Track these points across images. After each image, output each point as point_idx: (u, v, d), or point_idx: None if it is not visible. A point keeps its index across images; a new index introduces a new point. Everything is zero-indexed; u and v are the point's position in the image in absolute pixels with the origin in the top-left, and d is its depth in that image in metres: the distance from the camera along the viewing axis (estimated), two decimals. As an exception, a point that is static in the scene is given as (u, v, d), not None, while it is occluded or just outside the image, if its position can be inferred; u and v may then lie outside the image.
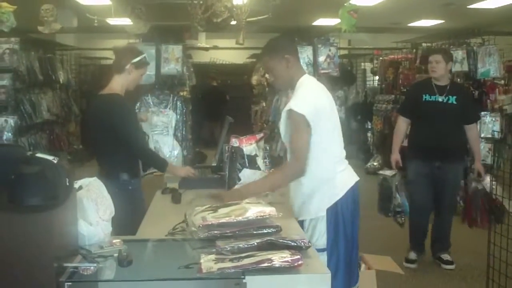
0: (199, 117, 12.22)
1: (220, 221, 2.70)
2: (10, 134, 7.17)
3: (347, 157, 3.71)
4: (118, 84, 4.20)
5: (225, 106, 14.52)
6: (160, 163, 4.31)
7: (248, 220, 2.70)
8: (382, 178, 6.11)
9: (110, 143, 4.13)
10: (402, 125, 6.00)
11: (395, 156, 5.94)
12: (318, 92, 3.56)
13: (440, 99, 5.63)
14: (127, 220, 3.41)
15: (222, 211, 2.86)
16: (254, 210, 2.77)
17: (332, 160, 3.54)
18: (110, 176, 4.06)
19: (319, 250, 3.47)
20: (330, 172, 3.52)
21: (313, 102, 3.43)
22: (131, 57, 4.20)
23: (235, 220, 2.68)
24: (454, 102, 5.60)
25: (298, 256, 2.27)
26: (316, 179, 3.49)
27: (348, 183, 3.58)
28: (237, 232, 2.62)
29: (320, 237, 3.52)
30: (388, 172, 6.03)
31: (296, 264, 2.24)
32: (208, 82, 15.50)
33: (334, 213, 3.51)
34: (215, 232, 2.63)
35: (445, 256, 5.87)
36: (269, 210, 2.76)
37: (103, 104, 4.18)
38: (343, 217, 3.54)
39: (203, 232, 2.66)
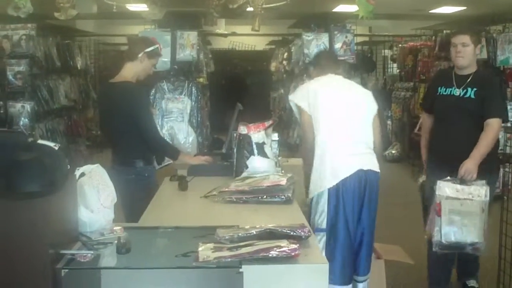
0: (222, 103, 12.24)
1: (239, 188, 3.46)
2: (26, 120, 7.21)
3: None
4: (130, 71, 4.23)
5: (247, 93, 14.50)
6: (172, 152, 4.34)
7: (263, 189, 3.41)
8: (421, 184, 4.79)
9: (125, 130, 4.14)
10: (426, 121, 4.81)
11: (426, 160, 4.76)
12: (318, 84, 4.15)
13: (456, 93, 4.37)
14: (143, 206, 3.42)
15: (248, 180, 3.58)
16: (271, 180, 3.49)
17: (335, 142, 3.96)
18: (126, 163, 4.18)
19: (320, 230, 3.83)
20: (331, 152, 3.93)
21: (306, 91, 4.09)
22: (144, 46, 4.25)
23: (251, 189, 3.43)
24: (472, 96, 4.28)
25: (296, 246, 2.24)
26: (318, 156, 3.96)
27: (352, 168, 3.88)
28: (251, 199, 3.38)
29: (320, 215, 3.89)
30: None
31: (293, 254, 2.22)
32: (231, 69, 15.51)
33: (335, 194, 3.88)
34: (233, 197, 3.41)
35: (470, 282, 4.81)
36: (283, 180, 3.45)
37: (117, 92, 4.19)
38: (344, 201, 3.85)
39: (222, 196, 3.44)
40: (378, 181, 4.02)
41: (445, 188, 4.10)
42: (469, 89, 4.32)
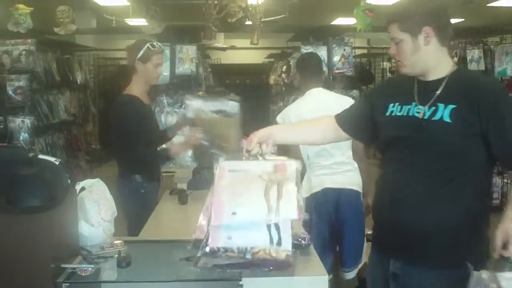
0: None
1: None
2: (26, 134, 7.22)
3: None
4: (135, 83, 4.09)
5: (246, 106, 14.57)
6: (165, 138, 4.29)
7: None
8: None
9: (123, 143, 4.02)
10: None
11: None
12: (298, 105, 4.35)
13: (417, 113, 2.47)
14: (138, 222, 3.41)
15: None
16: None
17: (311, 161, 4.24)
18: (123, 177, 4.07)
19: None
20: (308, 169, 4.26)
21: (287, 114, 4.29)
22: (135, 54, 4.03)
23: None
24: (447, 119, 2.38)
25: (291, 255, 2.27)
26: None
27: (320, 186, 4.18)
28: None
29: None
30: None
31: (289, 260, 2.23)
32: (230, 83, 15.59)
33: (308, 205, 4.16)
34: None
35: None
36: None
37: (117, 105, 4.11)
38: (316, 214, 4.16)
39: None
40: (355, 197, 4.24)
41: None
42: (441, 105, 2.42)
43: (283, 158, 2.41)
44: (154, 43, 4.08)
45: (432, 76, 2.50)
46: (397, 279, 2.51)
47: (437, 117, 2.40)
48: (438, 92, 2.44)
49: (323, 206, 4.21)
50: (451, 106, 2.38)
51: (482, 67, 7.59)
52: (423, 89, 2.50)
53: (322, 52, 7.12)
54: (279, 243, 2.17)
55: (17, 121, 7.26)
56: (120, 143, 4.05)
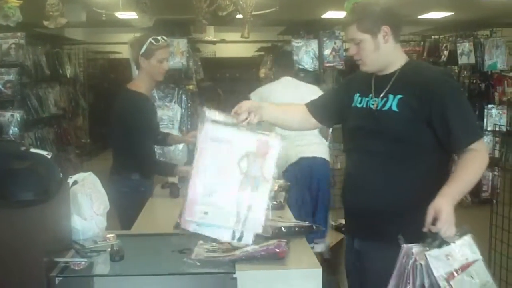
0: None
1: None
2: (16, 128, 7.15)
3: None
4: (140, 80, 3.95)
5: (236, 99, 14.55)
6: (167, 168, 4.06)
7: None
8: None
9: (121, 140, 3.89)
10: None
11: None
12: (272, 87, 5.23)
13: (372, 104, 2.72)
14: (135, 220, 3.33)
15: None
16: None
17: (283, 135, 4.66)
18: (122, 174, 3.94)
19: None
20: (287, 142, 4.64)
21: (260, 92, 5.18)
22: (138, 50, 3.83)
23: None
24: (394, 108, 2.62)
25: (282, 243, 2.33)
26: None
27: (297, 155, 4.82)
28: None
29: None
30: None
31: (280, 249, 2.29)
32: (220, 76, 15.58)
33: (285, 177, 4.41)
34: None
35: None
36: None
37: (124, 100, 3.94)
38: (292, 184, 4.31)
39: None
40: (326, 166, 4.98)
41: (439, 266, 2.19)
42: (391, 96, 2.66)
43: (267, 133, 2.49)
44: (158, 38, 3.88)
45: (387, 71, 2.73)
46: (361, 256, 2.79)
47: (386, 107, 2.66)
48: (390, 84, 2.68)
49: (300, 173, 4.82)
50: (399, 96, 2.63)
51: (472, 60, 7.63)
52: (378, 82, 2.74)
53: (313, 46, 7.11)
54: (239, 239, 2.38)
55: (7, 115, 7.20)
56: (126, 141, 3.86)
